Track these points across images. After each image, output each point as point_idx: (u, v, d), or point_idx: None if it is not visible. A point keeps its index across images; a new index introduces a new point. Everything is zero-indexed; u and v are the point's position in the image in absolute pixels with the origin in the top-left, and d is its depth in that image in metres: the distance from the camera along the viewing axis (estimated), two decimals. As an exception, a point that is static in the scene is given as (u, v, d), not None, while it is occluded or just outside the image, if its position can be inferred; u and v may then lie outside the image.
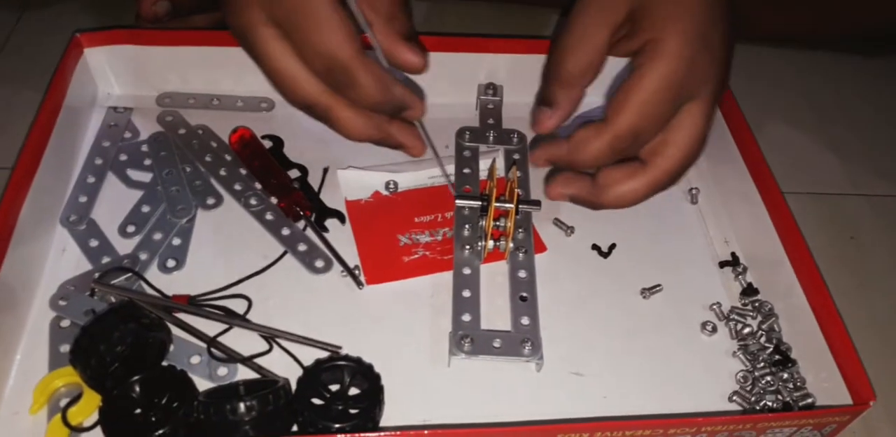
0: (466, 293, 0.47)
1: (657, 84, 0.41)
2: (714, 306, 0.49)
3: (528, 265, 0.49)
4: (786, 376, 0.46)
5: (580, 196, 0.46)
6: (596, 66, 0.44)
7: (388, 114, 0.44)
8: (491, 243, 0.49)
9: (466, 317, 0.46)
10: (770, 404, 0.45)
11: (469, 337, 0.45)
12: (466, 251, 0.50)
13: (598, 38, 0.43)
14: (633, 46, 0.43)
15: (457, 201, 0.51)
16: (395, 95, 0.43)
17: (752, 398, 0.45)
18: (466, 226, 0.50)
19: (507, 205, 0.48)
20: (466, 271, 0.49)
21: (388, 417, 0.43)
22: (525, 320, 0.46)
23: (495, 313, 0.48)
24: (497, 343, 0.45)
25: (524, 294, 0.48)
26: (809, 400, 0.45)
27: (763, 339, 0.48)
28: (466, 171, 0.54)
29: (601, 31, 0.43)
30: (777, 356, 0.47)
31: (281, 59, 0.41)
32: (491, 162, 0.53)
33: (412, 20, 0.46)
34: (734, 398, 0.45)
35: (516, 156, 0.56)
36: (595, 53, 0.43)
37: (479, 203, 0.50)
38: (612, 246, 0.52)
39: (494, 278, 0.50)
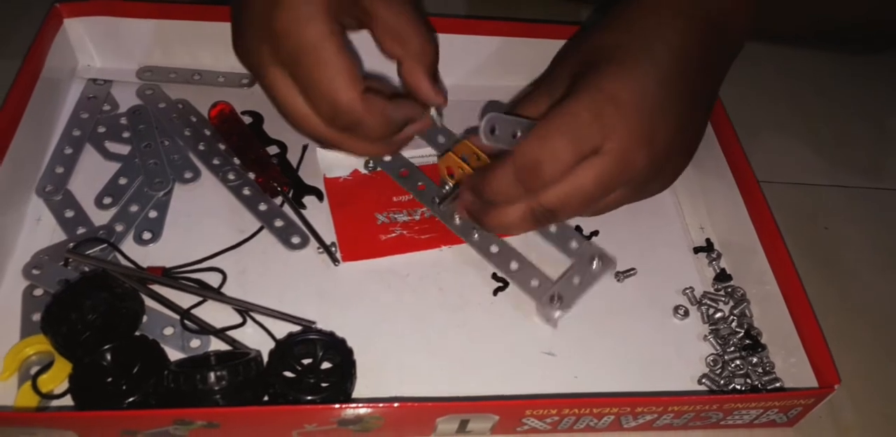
0: (514, 266, 0.48)
1: (564, 119, 0.41)
2: (687, 291, 0.50)
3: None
4: (755, 360, 0.47)
5: (472, 210, 0.47)
6: None
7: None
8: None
9: (535, 282, 0.47)
10: (738, 387, 0.46)
11: (555, 295, 0.46)
12: (476, 235, 0.50)
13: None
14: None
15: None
16: (398, 122, 0.45)
17: (721, 382, 0.46)
18: (456, 216, 0.50)
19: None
20: (493, 245, 0.49)
21: (360, 391, 0.43)
22: (573, 244, 0.48)
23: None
24: (576, 280, 0.47)
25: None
26: (777, 384, 0.46)
27: (734, 324, 0.49)
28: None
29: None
30: (747, 341, 0.47)
31: (289, 98, 0.43)
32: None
33: (438, 53, 0.47)
34: (703, 380, 0.46)
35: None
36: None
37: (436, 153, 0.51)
38: (595, 233, 0.52)
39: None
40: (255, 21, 0.42)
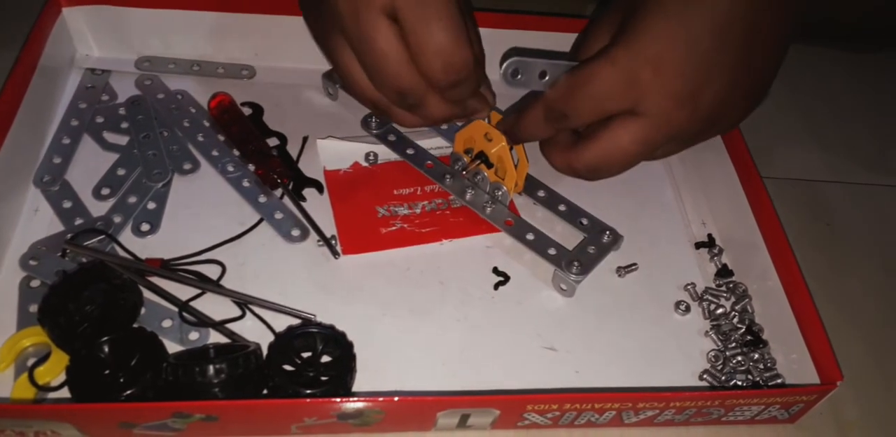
0: (531, 236, 0.49)
1: (592, 80, 0.41)
2: (688, 287, 0.50)
3: (537, 185, 0.53)
4: (756, 356, 0.46)
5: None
6: None
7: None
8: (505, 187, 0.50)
9: (552, 251, 0.48)
10: (740, 383, 0.46)
11: (575, 261, 0.47)
12: (489, 209, 0.50)
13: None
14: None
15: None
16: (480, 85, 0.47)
17: (723, 377, 0.46)
18: (469, 191, 0.51)
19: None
20: (508, 218, 0.50)
21: (360, 385, 0.42)
22: (584, 221, 0.51)
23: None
24: (591, 250, 0.49)
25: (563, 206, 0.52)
26: (779, 381, 0.46)
27: (735, 319, 0.48)
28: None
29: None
30: (749, 337, 0.47)
31: (389, 46, 0.42)
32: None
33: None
34: (704, 376, 0.46)
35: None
36: None
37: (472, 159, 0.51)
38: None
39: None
40: None
